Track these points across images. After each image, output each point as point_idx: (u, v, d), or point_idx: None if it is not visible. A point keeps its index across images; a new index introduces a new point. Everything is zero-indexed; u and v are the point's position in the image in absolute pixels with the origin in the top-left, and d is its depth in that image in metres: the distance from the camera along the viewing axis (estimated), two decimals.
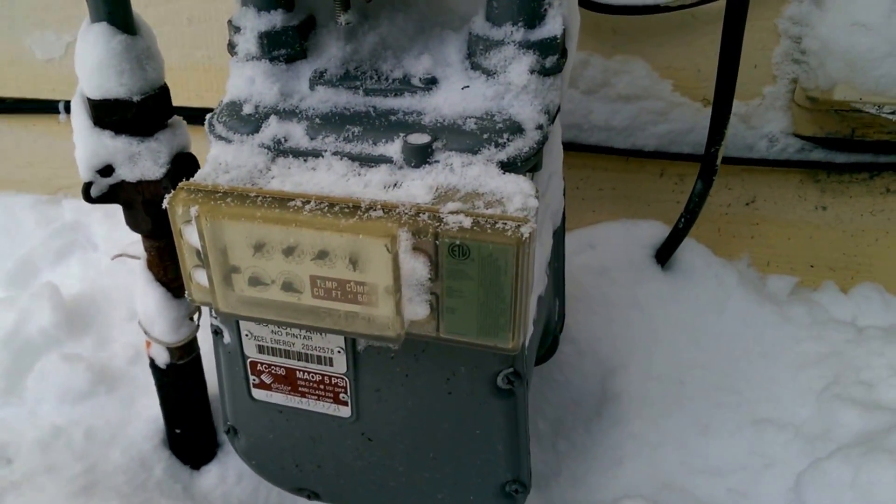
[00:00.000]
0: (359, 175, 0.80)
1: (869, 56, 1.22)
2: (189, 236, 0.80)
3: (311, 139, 0.83)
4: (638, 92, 1.36)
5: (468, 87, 0.85)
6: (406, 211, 0.74)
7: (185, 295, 0.84)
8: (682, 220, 1.31)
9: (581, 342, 1.35)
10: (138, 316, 1.11)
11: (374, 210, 0.74)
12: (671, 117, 1.37)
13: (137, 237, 1.09)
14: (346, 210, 0.74)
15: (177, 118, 1.03)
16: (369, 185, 0.79)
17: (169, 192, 0.96)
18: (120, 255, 1.17)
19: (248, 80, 0.88)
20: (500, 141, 0.80)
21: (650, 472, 1.22)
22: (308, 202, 0.75)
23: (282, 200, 0.76)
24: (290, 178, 0.80)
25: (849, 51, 1.24)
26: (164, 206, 0.78)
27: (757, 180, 1.41)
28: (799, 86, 1.31)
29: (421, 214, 0.73)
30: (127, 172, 0.99)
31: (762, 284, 1.47)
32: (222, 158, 0.83)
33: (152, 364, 1.15)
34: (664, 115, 1.37)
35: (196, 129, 1.04)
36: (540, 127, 0.83)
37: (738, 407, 1.28)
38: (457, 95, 0.84)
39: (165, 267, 1.08)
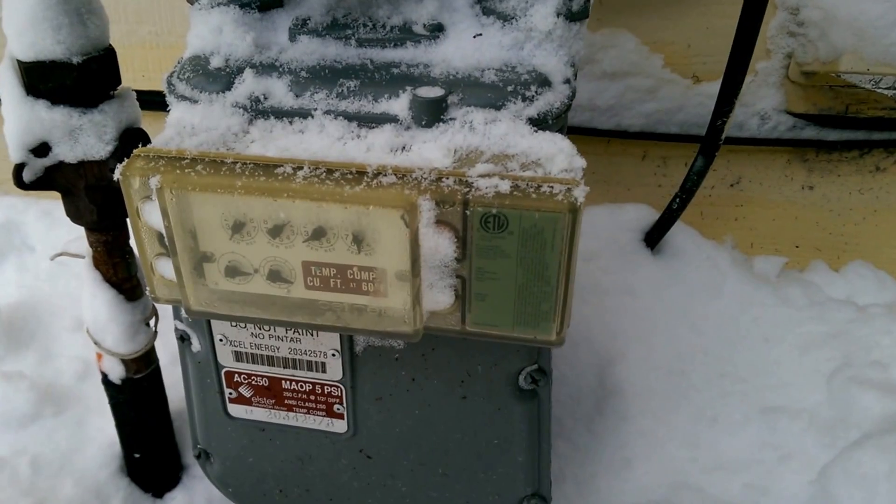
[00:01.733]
0: (358, 137, 0.66)
1: (879, 23, 1.15)
2: (148, 216, 0.64)
3: (297, 96, 0.69)
4: (625, 68, 1.26)
5: (480, 34, 0.71)
6: (425, 175, 0.60)
7: (146, 292, 0.68)
8: (677, 199, 1.21)
9: (573, 332, 1.22)
10: (86, 324, 0.94)
11: (385, 175, 0.60)
12: (659, 95, 1.28)
13: (80, 232, 0.92)
14: (350, 177, 0.60)
15: (125, 88, 0.87)
16: (372, 149, 0.65)
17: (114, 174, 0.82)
18: (60, 255, 1.00)
19: (215, 30, 0.73)
20: (528, 94, 0.66)
21: (661, 471, 1.12)
22: (300, 168, 0.61)
23: (267, 167, 0.61)
24: (274, 141, 0.66)
25: (857, 18, 1.16)
26: (115, 179, 0.63)
27: (743, 161, 1.35)
28: (794, 60, 1.24)
29: (444, 179, 0.59)
30: (66, 151, 0.83)
31: (749, 266, 1.39)
32: (187, 120, 0.68)
33: (105, 380, 0.98)
34: (652, 92, 1.28)
35: (143, 115, 0.89)
36: (567, 81, 0.70)
37: (745, 396, 1.18)
38: (468, 45, 0.71)
39: (115, 264, 0.91)
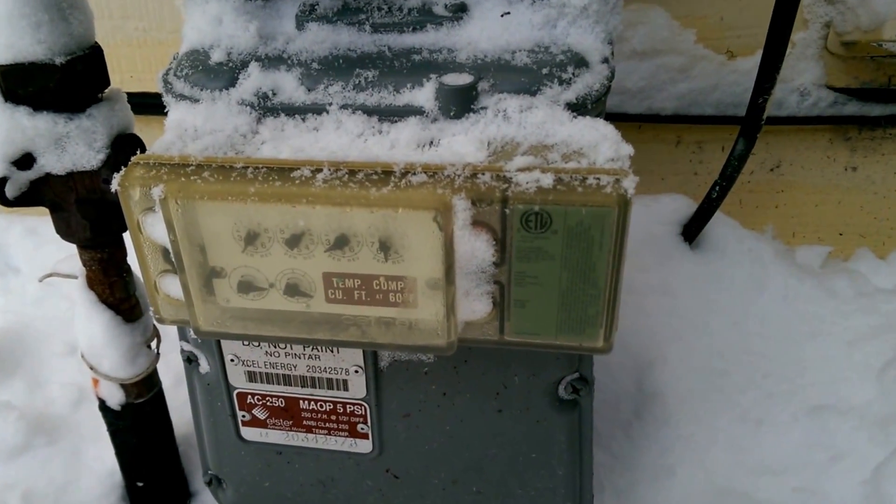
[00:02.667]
0: (380, 133, 0.60)
1: None
2: (151, 230, 0.58)
3: (309, 90, 0.62)
4: (656, 46, 1.19)
5: (508, 13, 0.65)
6: (459, 172, 0.54)
7: (150, 313, 0.62)
8: (717, 188, 1.14)
9: None
10: (81, 349, 0.87)
11: (414, 174, 0.54)
12: (693, 74, 1.20)
13: (70, 249, 0.86)
14: (375, 177, 0.54)
15: (115, 89, 0.80)
16: (397, 145, 0.59)
17: (110, 184, 0.75)
18: (50, 276, 0.92)
19: (214, 21, 0.67)
20: (564, 77, 0.60)
21: (705, 478, 1.05)
22: (319, 170, 0.55)
23: (281, 170, 0.55)
24: (287, 141, 0.60)
25: None
26: (113, 190, 0.56)
27: (782, 142, 1.27)
28: (833, 30, 1.17)
29: (480, 175, 0.53)
30: (53, 162, 0.76)
31: (791, 258, 1.33)
32: (189, 122, 0.62)
33: (102, 406, 0.91)
34: (685, 71, 1.20)
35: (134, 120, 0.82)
36: (605, 60, 0.64)
37: (791, 395, 1.12)
38: (496, 25, 0.65)
39: (112, 284, 0.85)
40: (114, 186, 0.56)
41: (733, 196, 1.24)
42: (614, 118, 1.23)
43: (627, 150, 0.55)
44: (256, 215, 0.55)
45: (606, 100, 0.65)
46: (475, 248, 0.54)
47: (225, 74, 0.63)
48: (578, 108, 0.60)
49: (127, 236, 0.83)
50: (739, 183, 1.21)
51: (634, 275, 1.21)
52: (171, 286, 0.60)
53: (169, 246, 0.57)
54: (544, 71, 0.60)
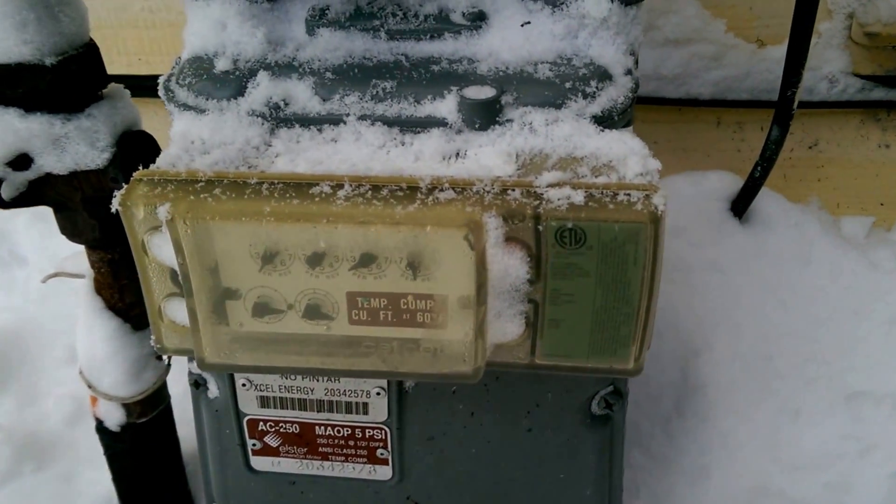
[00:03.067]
0: (402, 145, 0.57)
1: None
2: (158, 250, 0.54)
3: (324, 100, 0.59)
4: (688, 34, 1.21)
5: (528, 22, 0.62)
6: (488, 188, 0.50)
7: (152, 343, 0.58)
8: (759, 168, 1.16)
9: (658, 320, 1.15)
10: (80, 364, 0.83)
11: (442, 190, 0.51)
12: (725, 62, 1.22)
13: (79, 248, 0.82)
14: (401, 193, 0.51)
15: (116, 86, 0.76)
16: (421, 158, 0.56)
17: (119, 185, 0.71)
18: (55, 276, 0.88)
19: (217, 25, 0.63)
20: (588, 90, 0.58)
21: (740, 477, 1.03)
22: (339, 186, 0.51)
23: (299, 186, 0.52)
24: (303, 154, 0.56)
25: None
26: (114, 210, 0.53)
27: (817, 123, 1.31)
28: (855, 21, 1.19)
29: (510, 191, 0.50)
30: (53, 162, 0.72)
31: (837, 228, 1.33)
32: (195, 134, 0.58)
33: (100, 427, 0.87)
34: (717, 59, 1.22)
35: (141, 105, 0.78)
36: (629, 72, 0.62)
37: (829, 381, 1.10)
38: (516, 35, 0.62)
39: (122, 287, 0.80)
40: (115, 206, 0.53)
41: (777, 170, 1.28)
42: (654, 101, 1.26)
43: (655, 164, 0.53)
44: (274, 234, 0.52)
45: (632, 110, 0.62)
46: (509, 266, 0.51)
47: (232, 83, 0.60)
48: (604, 120, 0.58)
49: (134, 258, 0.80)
50: (782, 159, 1.25)
51: (687, 250, 1.20)
52: (178, 311, 0.56)
53: (177, 268, 0.54)
54: (568, 85, 0.58)
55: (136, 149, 0.73)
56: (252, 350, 0.56)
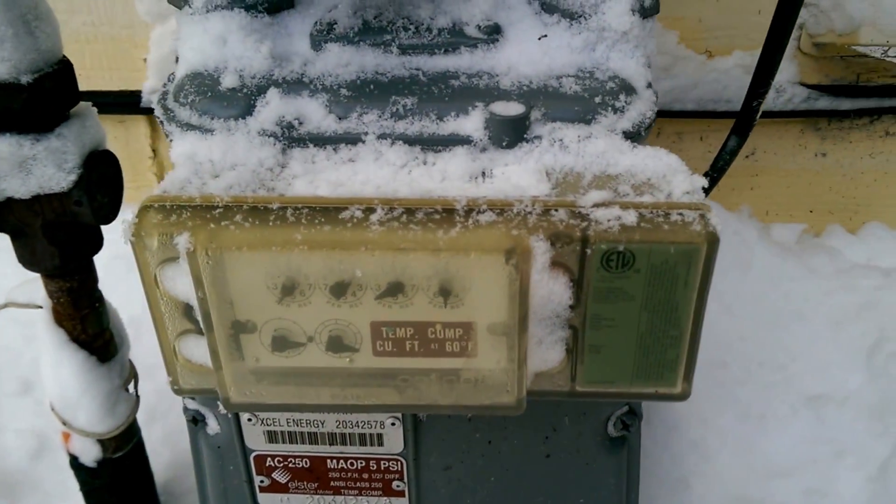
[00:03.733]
0: (425, 164, 0.54)
1: None
2: (171, 284, 0.50)
3: (340, 118, 0.56)
4: None
5: (545, 35, 0.60)
6: (529, 209, 0.48)
7: (169, 384, 0.54)
8: (707, 177, 1.17)
9: None
10: (50, 399, 0.77)
11: (481, 212, 0.48)
12: (675, 72, 1.24)
13: (33, 276, 0.76)
14: (437, 216, 0.48)
15: (84, 104, 0.70)
16: (448, 177, 0.53)
17: (82, 206, 0.66)
18: (5, 307, 0.82)
19: (217, 40, 0.60)
20: (618, 105, 0.57)
21: (719, 486, 1.04)
22: (371, 210, 0.48)
23: (326, 210, 0.48)
24: (321, 175, 0.53)
25: None
26: (126, 241, 0.49)
27: (756, 132, 1.32)
28: (805, 32, 1.22)
29: (553, 212, 0.48)
30: (17, 186, 0.66)
31: (767, 235, 1.36)
32: (203, 156, 0.54)
33: (75, 463, 0.81)
34: (668, 70, 1.23)
35: None
36: (650, 85, 0.61)
37: (788, 385, 1.13)
38: (534, 48, 0.60)
39: (84, 317, 0.75)
40: (126, 238, 0.48)
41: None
42: None
43: (701, 181, 0.52)
44: (299, 263, 0.48)
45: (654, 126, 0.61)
46: (552, 292, 0.49)
47: (240, 101, 0.56)
48: (633, 136, 0.56)
49: (97, 259, 0.74)
50: None
51: None
52: (195, 349, 0.52)
53: (193, 302, 0.50)
54: (597, 99, 0.56)
55: (101, 170, 0.68)
56: (277, 386, 0.53)
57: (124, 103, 1.20)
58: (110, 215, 0.70)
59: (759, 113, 1.05)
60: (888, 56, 1.17)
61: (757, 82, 1.02)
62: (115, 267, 0.86)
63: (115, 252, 0.76)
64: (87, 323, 0.76)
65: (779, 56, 0.98)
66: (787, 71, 1.24)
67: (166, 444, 0.98)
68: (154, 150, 1.28)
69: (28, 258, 0.72)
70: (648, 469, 1.05)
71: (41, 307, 0.77)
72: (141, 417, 0.88)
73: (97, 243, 0.74)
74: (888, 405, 1.06)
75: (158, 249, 0.49)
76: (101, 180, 0.69)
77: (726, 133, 1.15)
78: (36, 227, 0.69)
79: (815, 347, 1.14)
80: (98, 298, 0.77)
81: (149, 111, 1.19)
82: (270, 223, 0.48)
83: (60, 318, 0.76)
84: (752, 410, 1.09)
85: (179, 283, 0.50)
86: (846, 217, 1.41)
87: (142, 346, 0.88)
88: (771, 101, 1.24)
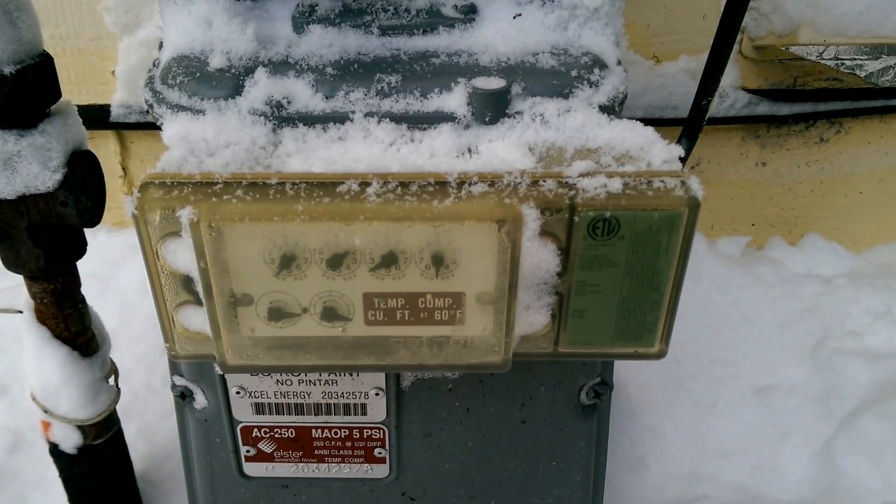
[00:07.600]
0: (412, 141, 0.57)
1: None
2: (173, 258, 0.51)
3: (328, 97, 0.58)
4: None
5: (520, 14, 0.63)
6: (518, 180, 0.51)
7: (166, 349, 0.55)
8: None
9: None
10: (31, 390, 0.77)
11: (472, 184, 0.51)
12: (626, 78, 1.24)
13: (15, 279, 0.75)
14: (431, 189, 0.50)
15: (65, 101, 0.70)
16: (436, 154, 0.55)
17: (68, 207, 0.66)
18: None
19: (202, 23, 0.60)
20: (593, 79, 0.59)
21: (674, 465, 1.10)
22: (367, 183, 0.50)
23: (324, 185, 0.50)
24: (314, 153, 0.55)
25: None
26: (132, 213, 0.50)
27: (701, 141, 1.32)
28: (746, 35, 1.24)
29: (543, 182, 0.51)
30: (3, 185, 0.65)
31: (714, 248, 1.40)
32: (197, 135, 0.55)
33: (55, 450, 0.81)
34: None
35: None
36: (619, 62, 0.64)
37: (737, 378, 1.20)
38: (509, 27, 0.63)
39: (66, 317, 0.75)
40: (130, 210, 0.49)
41: None
42: None
43: (678, 151, 0.55)
44: (298, 235, 0.50)
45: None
46: (541, 259, 0.52)
47: (229, 82, 0.57)
48: (609, 110, 0.59)
49: (80, 263, 0.75)
50: None
51: None
52: (192, 319, 0.54)
53: (193, 274, 0.51)
54: (573, 73, 0.59)
55: (84, 170, 0.68)
56: (272, 350, 0.54)
57: (93, 118, 1.16)
58: (94, 219, 0.70)
59: (708, 112, 1.07)
60: (823, 59, 1.21)
61: (707, 79, 1.03)
62: (90, 287, 0.85)
63: (91, 270, 0.76)
64: (69, 321, 0.76)
65: (728, 50, 1.01)
66: (729, 75, 1.25)
67: (141, 438, 1.00)
68: (124, 169, 1.24)
69: (12, 260, 0.72)
70: (608, 451, 1.11)
71: (21, 312, 0.77)
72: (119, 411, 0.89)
73: (81, 247, 0.74)
74: (833, 392, 1.13)
75: (160, 224, 0.50)
76: (85, 181, 0.69)
77: (674, 140, 1.18)
78: (21, 229, 0.69)
79: (762, 346, 1.22)
80: (81, 301, 0.77)
81: (118, 126, 1.17)
82: (270, 197, 0.50)
83: (43, 316, 0.76)
84: (704, 400, 1.16)
85: (180, 256, 0.51)
86: (786, 230, 1.44)
87: (118, 352, 0.90)
88: (714, 107, 1.25)
